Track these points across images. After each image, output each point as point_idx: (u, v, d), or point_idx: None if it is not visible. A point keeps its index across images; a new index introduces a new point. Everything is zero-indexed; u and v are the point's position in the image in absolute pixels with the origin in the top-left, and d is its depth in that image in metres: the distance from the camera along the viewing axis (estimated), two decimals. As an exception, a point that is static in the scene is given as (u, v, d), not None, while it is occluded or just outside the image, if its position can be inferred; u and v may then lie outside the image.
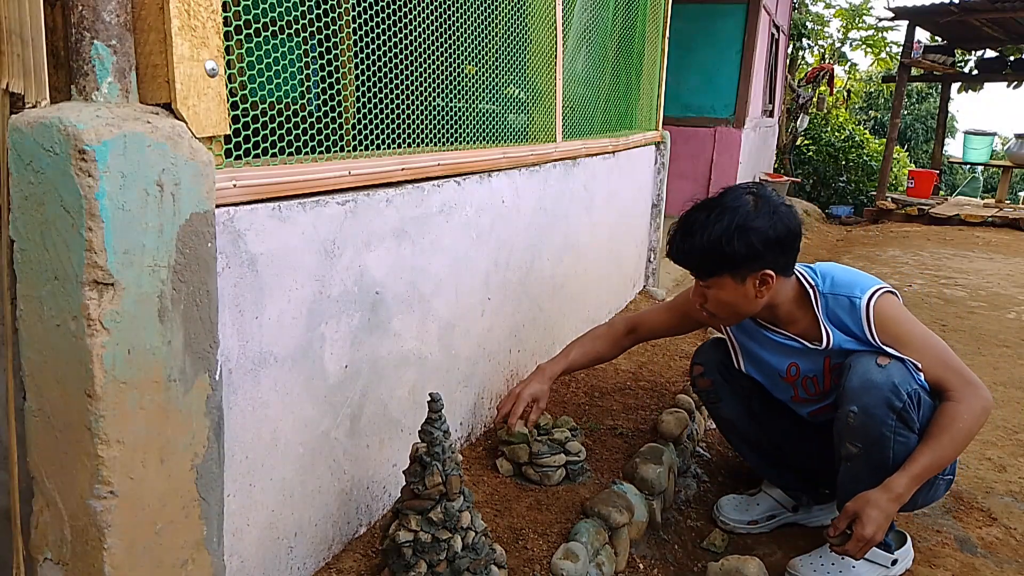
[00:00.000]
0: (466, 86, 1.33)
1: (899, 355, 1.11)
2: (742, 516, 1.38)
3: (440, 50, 1.21)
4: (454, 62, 1.27)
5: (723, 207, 1.10)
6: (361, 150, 1.05)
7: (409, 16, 1.10)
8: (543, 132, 1.71)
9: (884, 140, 7.38)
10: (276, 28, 0.87)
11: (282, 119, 0.89)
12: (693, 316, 1.34)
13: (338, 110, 1.00)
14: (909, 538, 1.28)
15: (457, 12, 1.27)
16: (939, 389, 1.12)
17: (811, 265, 1.21)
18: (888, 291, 1.16)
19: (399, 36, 1.08)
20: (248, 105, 0.84)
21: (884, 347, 1.12)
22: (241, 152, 0.84)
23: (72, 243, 0.65)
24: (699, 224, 1.10)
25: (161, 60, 0.72)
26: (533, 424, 1.33)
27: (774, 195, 1.13)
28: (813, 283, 1.18)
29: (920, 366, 1.11)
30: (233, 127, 0.81)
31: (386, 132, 1.10)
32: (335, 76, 0.98)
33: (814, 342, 1.19)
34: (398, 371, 1.19)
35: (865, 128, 9.38)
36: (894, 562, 1.23)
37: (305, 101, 1.01)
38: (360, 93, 1.03)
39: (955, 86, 7.36)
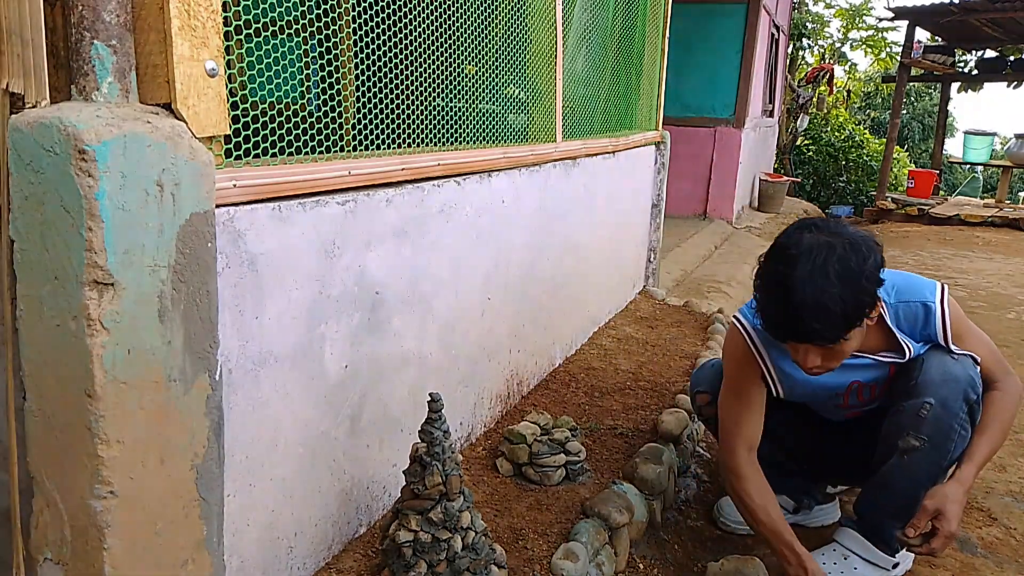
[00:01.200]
0: (466, 86, 1.33)
1: (963, 351, 1.13)
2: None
3: (440, 50, 1.21)
4: (454, 62, 1.27)
5: (828, 262, 0.97)
6: (361, 150, 1.05)
7: (409, 16, 1.10)
8: (543, 132, 1.71)
9: (884, 140, 7.38)
10: (276, 28, 0.87)
11: (282, 119, 0.89)
12: (760, 385, 1.22)
13: (338, 110, 1.00)
14: None
15: (457, 12, 1.27)
16: (988, 380, 1.15)
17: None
18: (945, 287, 1.17)
19: (399, 36, 1.08)
20: (248, 105, 0.84)
21: (951, 344, 1.13)
22: (241, 152, 0.84)
23: (72, 243, 0.65)
24: (824, 294, 0.96)
25: (161, 60, 0.72)
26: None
27: (840, 226, 1.03)
28: (879, 295, 1.11)
29: (978, 360, 1.13)
30: (233, 127, 0.81)
31: (386, 132, 1.10)
32: (335, 76, 0.98)
33: (888, 355, 1.16)
34: (398, 371, 1.19)
35: (864, 128, 9.38)
36: (895, 565, 1.22)
37: (305, 101, 1.00)
38: (360, 93, 1.03)
39: (955, 86, 7.36)
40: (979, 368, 1.13)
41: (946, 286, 1.17)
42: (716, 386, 1.32)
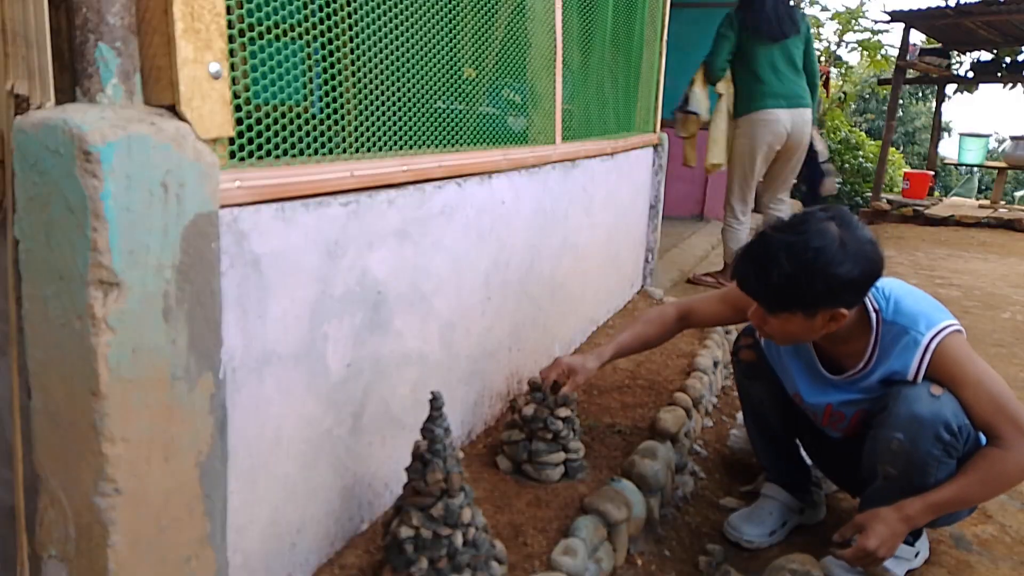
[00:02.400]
0: (467, 89, 1.34)
1: (941, 392, 1.07)
2: (761, 529, 1.36)
3: (442, 53, 1.22)
4: (455, 65, 1.28)
5: (805, 242, 1.00)
6: (363, 152, 1.06)
7: (411, 19, 1.11)
8: (543, 134, 1.72)
9: (880, 142, 7.42)
10: (279, 30, 0.88)
11: (285, 121, 0.90)
12: (745, 312, 1.24)
13: (340, 112, 1.01)
14: (924, 529, 1.28)
15: (458, 16, 1.28)
16: (989, 434, 1.07)
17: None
18: (956, 330, 1.09)
19: (401, 39, 1.09)
20: (252, 107, 0.84)
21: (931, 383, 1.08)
22: (245, 154, 0.85)
23: (77, 243, 0.66)
24: (776, 258, 1.01)
25: (165, 62, 0.72)
26: (567, 392, 1.31)
27: (858, 226, 1.04)
28: (878, 308, 1.11)
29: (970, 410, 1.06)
30: (237, 129, 0.82)
31: (388, 134, 1.10)
32: (338, 78, 0.99)
33: (851, 368, 1.16)
34: (400, 370, 1.20)
35: (860, 130, 9.43)
36: (917, 554, 1.25)
37: (308, 103, 1.01)
38: (362, 95, 1.03)
39: (950, 88, 7.41)
40: (972, 412, 1.06)
41: (954, 327, 1.08)
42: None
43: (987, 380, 1.08)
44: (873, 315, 1.12)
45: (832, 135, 8.20)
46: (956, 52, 7.32)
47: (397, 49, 1.09)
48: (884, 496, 1.15)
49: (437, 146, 1.26)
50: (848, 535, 1.12)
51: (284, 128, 0.90)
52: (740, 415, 1.82)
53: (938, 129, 7.52)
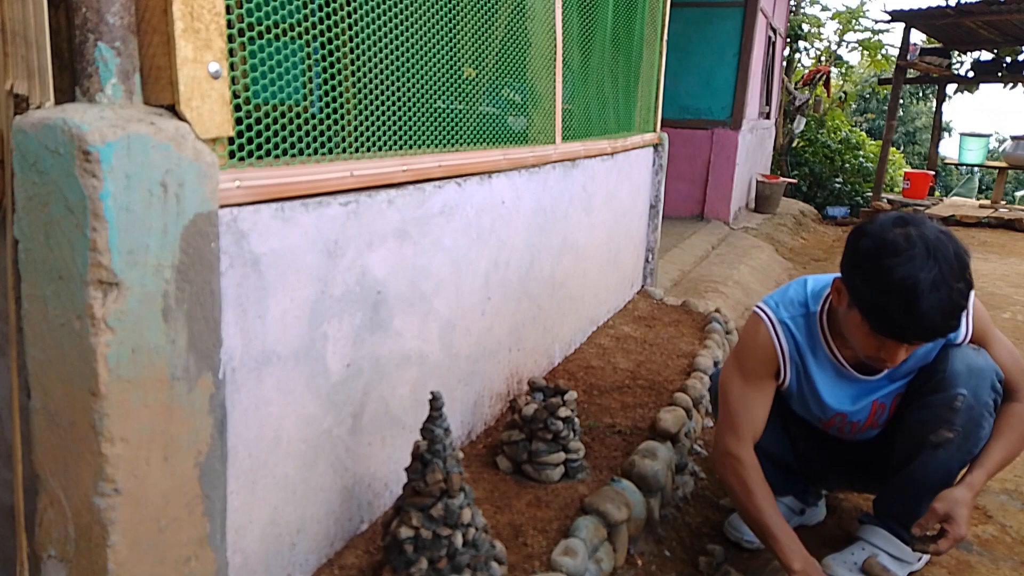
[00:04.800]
0: (467, 88, 1.34)
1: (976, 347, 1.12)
2: None
3: (442, 52, 1.22)
4: (455, 64, 1.28)
5: (946, 257, 0.95)
6: (363, 152, 1.06)
7: (411, 19, 1.11)
8: (543, 134, 1.72)
9: (880, 142, 7.42)
10: (279, 30, 0.88)
11: (285, 120, 0.90)
12: (774, 370, 1.20)
13: (340, 112, 1.01)
14: None
15: (459, 15, 1.28)
16: (1010, 389, 1.13)
17: None
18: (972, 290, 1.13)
19: (401, 38, 1.09)
20: (251, 107, 0.84)
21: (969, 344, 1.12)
22: (244, 153, 0.85)
23: (76, 243, 0.66)
24: (951, 288, 0.95)
25: (165, 62, 0.72)
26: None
27: (918, 217, 1.01)
28: None
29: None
30: (236, 128, 0.82)
31: (388, 134, 1.10)
32: (337, 78, 0.99)
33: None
34: (400, 370, 1.20)
35: (861, 130, 9.42)
36: (919, 558, 1.25)
37: (308, 103, 1.01)
38: (362, 95, 1.03)
39: (950, 88, 7.40)
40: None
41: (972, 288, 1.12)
42: None
43: (1004, 338, 1.16)
44: None
45: (832, 135, 8.20)
46: (956, 52, 7.32)
47: (397, 49, 1.09)
48: (929, 469, 1.12)
49: (437, 146, 1.26)
50: (930, 525, 1.09)
51: (284, 128, 0.90)
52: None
53: (938, 129, 7.52)
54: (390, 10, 1.06)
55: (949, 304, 0.95)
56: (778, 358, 1.19)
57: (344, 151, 1.03)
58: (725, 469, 1.21)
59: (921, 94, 13.67)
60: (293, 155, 0.92)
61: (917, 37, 6.53)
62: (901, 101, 8.40)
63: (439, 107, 1.24)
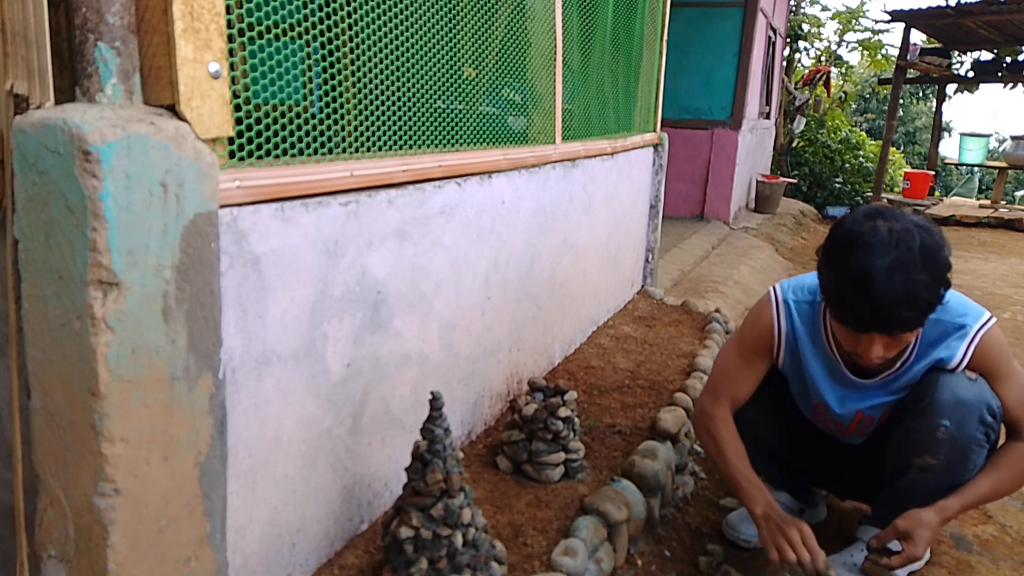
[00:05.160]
0: (467, 88, 1.34)
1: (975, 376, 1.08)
2: None
3: (442, 52, 1.22)
4: (455, 64, 1.28)
5: (910, 249, 0.94)
6: (363, 152, 1.06)
7: (411, 18, 1.11)
8: (543, 134, 1.72)
9: (880, 142, 7.42)
10: (279, 30, 0.88)
11: (285, 120, 0.90)
12: (770, 351, 1.21)
13: (340, 112, 1.01)
14: None
15: (459, 15, 1.28)
16: (1016, 428, 1.10)
17: None
18: (995, 322, 1.11)
19: (401, 38, 1.09)
20: (251, 107, 0.84)
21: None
22: (244, 153, 0.85)
23: (76, 243, 0.66)
24: (913, 281, 0.93)
25: (165, 62, 0.72)
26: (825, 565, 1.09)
27: (899, 212, 0.99)
28: None
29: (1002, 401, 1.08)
30: (236, 128, 0.82)
31: (388, 134, 1.10)
32: (337, 78, 0.99)
33: (885, 370, 1.13)
34: (400, 370, 1.20)
35: (860, 130, 9.42)
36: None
37: (307, 103, 1.01)
38: (362, 95, 1.03)
39: (950, 88, 7.41)
40: (1004, 406, 1.08)
41: (993, 320, 1.10)
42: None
43: (1022, 375, 1.10)
44: None
45: (832, 135, 8.20)
46: (956, 52, 7.32)
47: (397, 49, 1.09)
48: (917, 489, 1.13)
49: (437, 146, 1.26)
50: (888, 540, 1.10)
51: (284, 128, 0.90)
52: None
53: (938, 129, 7.52)
54: (390, 10, 1.06)
55: (905, 292, 0.93)
56: (774, 336, 1.21)
57: (344, 151, 1.03)
58: (699, 427, 1.27)
59: (921, 94, 13.67)
60: (293, 155, 0.92)
61: (917, 37, 6.54)
62: (901, 101, 8.40)
63: (439, 107, 1.24)
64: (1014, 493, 1.15)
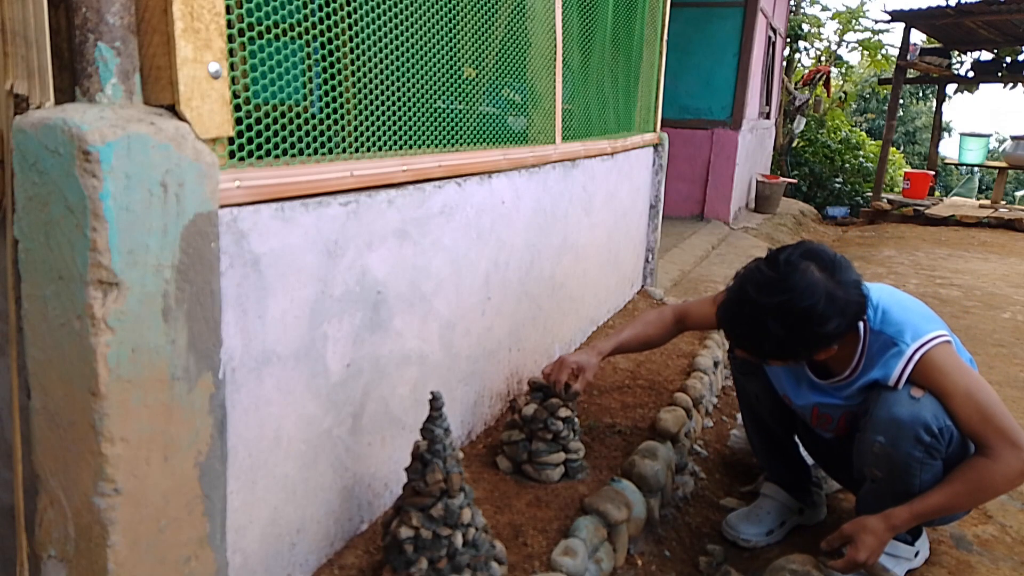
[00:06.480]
0: (467, 88, 1.34)
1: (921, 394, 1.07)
2: (758, 528, 1.36)
3: (441, 52, 1.22)
4: (455, 65, 1.28)
5: (791, 304, 0.99)
6: (363, 152, 1.06)
7: (411, 18, 1.11)
8: (543, 134, 1.72)
9: (880, 142, 7.42)
10: (279, 30, 0.88)
11: (285, 120, 0.90)
12: None
13: (340, 112, 1.00)
14: (924, 528, 1.28)
15: (458, 15, 1.28)
16: (976, 443, 1.08)
17: (866, 288, 1.09)
18: (944, 341, 1.10)
19: (401, 38, 1.09)
20: (251, 107, 0.84)
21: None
22: (244, 153, 0.85)
23: (76, 243, 0.66)
24: (766, 326, 1.01)
25: (165, 62, 0.72)
26: (579, 389, 1.32)
27: (841, 266, 1.03)
28: (866, 318, 1.11)
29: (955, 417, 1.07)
30: (236, 128, 0.82)
31: (388, 134, 1.10)
32: (337, 78, 0.99)
33: (839, 374, 1.17)
34: (399, 369, 1.20)
35: (860, 130, 9.42)
36: (916, 553, 1.25)
37: (308, 103, 1.01)
38: (362, 95, 1.03)
39: (950, 88, 7.40)
40: (958, 423, 1.07)
41: (942, 339, 1.09)
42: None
43: (974, 390, 1.07)
44: (861, 325, 1.13)
45: (832, 135, 8.21)
46: (956, 52, 7.32)
47: (397, 48, 1.09)
48: (873, 498, 1.15)
49: (437, 146, 1.26)
50: (836, 545, 1.13)
51: (284, 128, 0.90)
52: (740, 415, 1.82)
53: (939, 129, 7.52)
54: (390, 10, 1.06)
55: (750, 336, 1.07)
56: None
57: (344, 151, 1.03)
58: (652, 310, 1.48)
59: (921, 94, 13.67)
60: (293, 155, 0.92)
61: (917, 37, 6.54)
62: (901, 101, 8.40)
63: (439, 107, 1.24)
64: (972, 508, 1.16)
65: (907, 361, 1.09)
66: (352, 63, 1.00)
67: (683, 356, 2.07)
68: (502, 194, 1.50)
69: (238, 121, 0.82)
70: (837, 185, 7.93)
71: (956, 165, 7.43)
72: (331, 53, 0.97)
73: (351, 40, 1.00)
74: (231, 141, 0.82)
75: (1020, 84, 6.70)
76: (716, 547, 1.35)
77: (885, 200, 6.49)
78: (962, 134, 6.93)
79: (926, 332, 1.10)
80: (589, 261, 2.11)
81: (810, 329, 1.02)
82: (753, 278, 1.05)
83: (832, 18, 7.92)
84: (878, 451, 1.10)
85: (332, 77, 0.98)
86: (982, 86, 7.47)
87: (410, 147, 1.17)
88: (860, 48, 8.17)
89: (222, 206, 0.79)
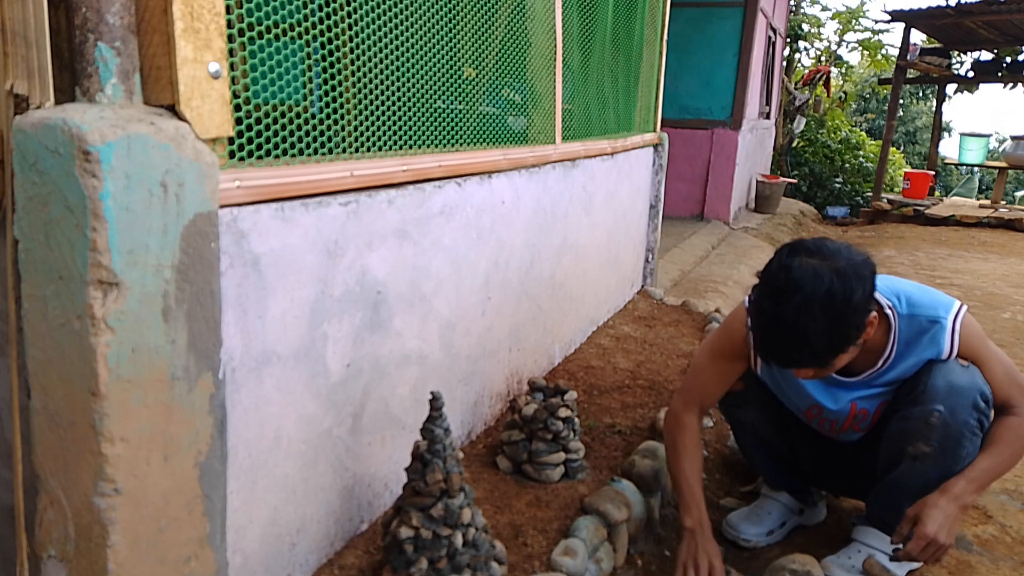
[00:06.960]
0: (467, 88, 1.34)
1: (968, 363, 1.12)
2: (759, 528, 1.36)
3: (442, 52, 1.22)
4: (455, 64, 1.28)
5: (813, 296, 0.98)
6: (363, 152, 1.06)
7: (411, 18, 1.11)
8: (543, 134, 1.72)
9: (880, 142, 7.42)
10: (279, 30, 0.88)
11: (285, 120, 0.90)
12: (743, 355, 1.25)
13: (340, 112, 1.01)
14: None
15: (458, 15, 1.28)
16: (1005, 405, 1.13)
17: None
18: (967, 310, 1.15)
19: (401, 38, 1.09)
20: (251, 107, 0.84)
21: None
22: (244, 153, 0.85)
23: (76, 243, 0.66)
24: (804, 327, 0.99)
25: (165, 62, 0.72)
26: None
27: (828, 245, 1.04)
28: (892, 305, 1.13)
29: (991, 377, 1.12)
30: (236, 128, 0.82)
31: (388, 134, 1.10)
32: (337, 78, 0.99)
33: (869, 368, 1.16)
34: (400, 369, 1.20)
35: (860, 130, 9.43)
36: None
37: (307, 103, 1.01)
38: (362, 95, 1.03)
39: (950, 88, 7.40)
40: (991, 386, 1.12)
41: (965, 307, 1.16)
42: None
43: (1000, 354, 1.16)
44: (889, 312, 1.14)
45: (832, 135, 8.21)
46: (956, 52, 7.32)
47: (397, 48, 1.09)
48: (908, 480, 1.14)
49: (437, 146, 1.26)
50: (906, 531, 1.11)
51: (284, 128, 0.90)
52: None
53: (939, 129, 7.52)
54: (390, 10, 1.06)
55: (799, 340, 1.00)
56: (747, 344, 1.23)
57: (344, 151, 1.03)
58: (667, 427, 1.31)
59: (921, 94, 13.67)
60: (293, 155, 0.92)
61: (917, 37, 6.54)
62: (901, 101, 8.40)
63: (439, 107, 1.24)
64: (1010, 471, 1.15)
65: (951, 333, 1.13)
66: (352, 63, 1.00)
67: (683, 356, 2.07)
68: (502, 194, 1.50)
69: (238, 121, 0.82)
70: (837, 185, 7.93)
71: (956, 165, 7.43)
72: (331, 53, 0.97)
73: (351, 40, 1.00)
74: (231, 141, 0.82)
75: (1020, 84, 6.70)
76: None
77: (885, 200, 6.49)
78: (962, 134, 6.93)
79: (952, 303, 1.15)
80: (589, 261, 2.11)
81: (844, 307, 1.00)
82: (762, 302, 1.04)
83: (832, 18, 7.91)
84: (935, 421, 1.10)
85: (332, 77, 0.98)
86: (982, 86, 7.47)
87: (410, 147, 1.17)
88: (860, 48, 8.17)
89: (222, 206, 0.79)
